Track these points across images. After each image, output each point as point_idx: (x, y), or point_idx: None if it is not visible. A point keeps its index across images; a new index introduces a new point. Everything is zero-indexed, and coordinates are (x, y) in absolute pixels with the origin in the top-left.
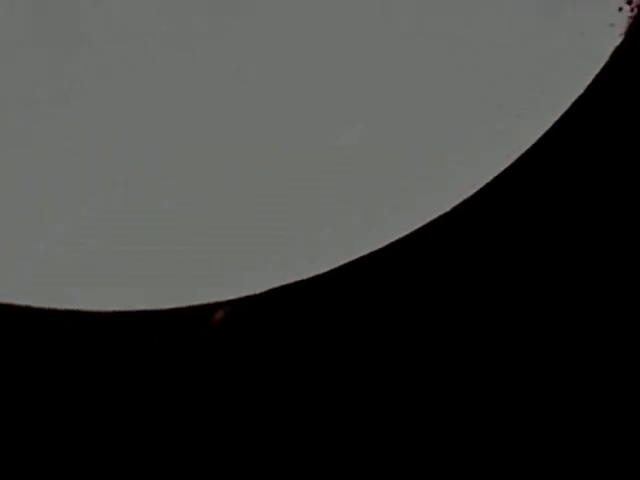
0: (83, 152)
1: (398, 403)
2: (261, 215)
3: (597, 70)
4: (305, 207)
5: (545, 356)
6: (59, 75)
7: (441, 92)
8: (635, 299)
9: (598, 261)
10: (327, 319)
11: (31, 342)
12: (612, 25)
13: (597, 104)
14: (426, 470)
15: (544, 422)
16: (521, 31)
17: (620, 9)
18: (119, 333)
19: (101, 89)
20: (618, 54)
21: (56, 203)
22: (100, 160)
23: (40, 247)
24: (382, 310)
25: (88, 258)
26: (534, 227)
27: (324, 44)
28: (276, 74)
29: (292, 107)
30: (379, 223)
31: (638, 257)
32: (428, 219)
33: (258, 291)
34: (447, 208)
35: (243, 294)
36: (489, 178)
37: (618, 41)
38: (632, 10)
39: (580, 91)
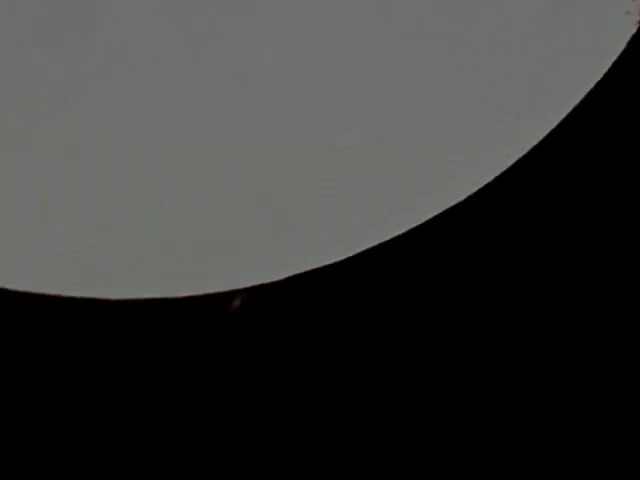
0: (83, 152)
1: (400, 399)
2: (261, 215)
3: (610, 64)
4: (305, 207)
5: (544, 355)
6: (59, 75)
7: (441, 92)
8: (635, 299)
9: (598, 261)
10: (326, 319)
11: (31, 342)
12: (628, 13)
13: (597, 104)
14: (426, 470)
15: (544, 422)
16: (521, 31)
17: None
18: (119, 334)
19: (101, 89)
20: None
21: (56, 203)
22: (100, 160)
23: (40, 247)
24: (382, 309)
25: (88, 258)
26: (534, 227)
27: (324, 44)
28: (276, 74)
29: (292, 107)
30: (379, 223)
31: (638, 257)
32: (428, 218)
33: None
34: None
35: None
36: (489, 178)
37: (634, 29)
38: None
39: (592, 85)
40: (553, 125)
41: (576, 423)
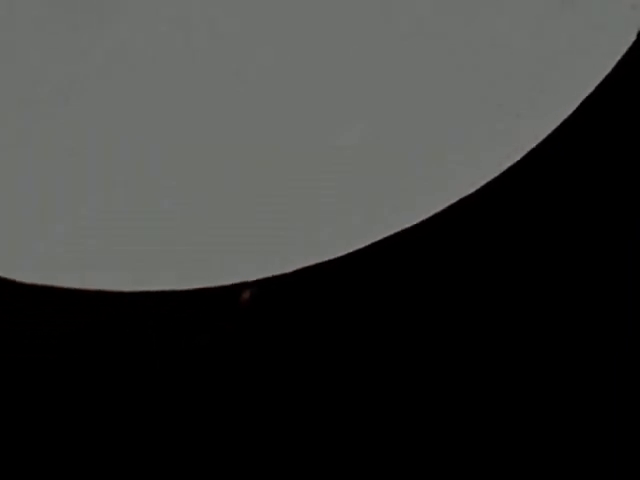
0: (83, 152)
1: (401, 399)
2: (261, 215)
3: (613, 64)
4: (305, 207)
5: (544, 354)
6: (59, 75)
7: (441, 92)
8: (635, 299)
9: (598, 263)
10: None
11: (24, 346)
12: (634, 7)
13: (597, 103)
14: (426, 470)
15: (544, 421)
16: (521, 31)
17: None
18: (116, 338)
19: (101, 89)
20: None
21: (56, 203)
22: (100, 160)
23: (40, 247)
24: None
25: (88, 258)
26: (533, 227)
27: (324, 44)
28: (276, 74)
29: (292, 107)
30: (379, 223)
31: (639, 257)
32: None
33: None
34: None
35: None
36: (489, 178)
37: (637, 29)
38: None
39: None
40: (553, 125)
41: (576, 423)
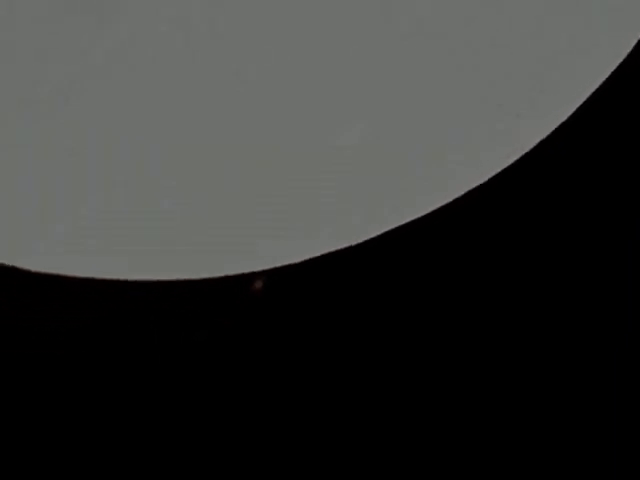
0: (83, 152)
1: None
2: (261, 215)
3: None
4: (305, 207)
5: (544, 353)
6: (59, 75)
7: (441, 92)
8: (635, 299)
9: (598, 265)
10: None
11: (31, 342)
12: None
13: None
14: (426, 470)
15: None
16: (521, 31)
17: None
18: (119, 334)
19: (101, 89)
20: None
21: (56, 203)
22: (100, 160)
23: (40, 247)
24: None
25: (88, 258)
26: (534, 226)
27: (324, 44)
28: (276, 74)
29: (292, 107)
30: (379, 223)
31: (638, 257)
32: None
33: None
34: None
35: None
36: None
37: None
38: None
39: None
40: (553, 125)
41: (576, 423)
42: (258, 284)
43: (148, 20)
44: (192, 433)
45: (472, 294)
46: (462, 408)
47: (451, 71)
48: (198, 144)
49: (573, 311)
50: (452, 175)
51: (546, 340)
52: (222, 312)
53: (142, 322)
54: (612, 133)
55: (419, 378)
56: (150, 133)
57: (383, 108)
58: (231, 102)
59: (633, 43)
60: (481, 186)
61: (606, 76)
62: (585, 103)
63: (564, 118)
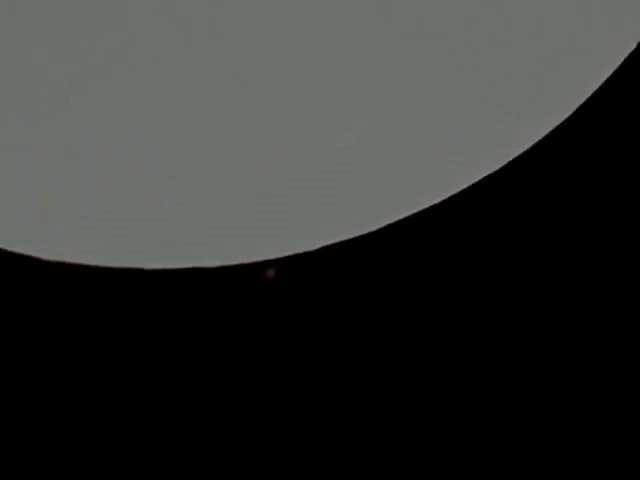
0: (83, 152)
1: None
2: (261, 215)
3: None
4: (305, 207)
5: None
6: (59, 75)
7: (441, 92)
8: (636, 300)
9: (598, 267)
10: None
11: (26, 342)
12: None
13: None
14: (426, 469)
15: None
16: (521, 31)
17: None
18: (115, 334)
19: (101, 89)
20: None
21: (56, 203)
22: (100, 160)
23: (40, 247)
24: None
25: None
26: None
27: (324, 44)
28: (276, 74)
29: (292, 107)
30: (379, 223)
31: (638, 258)
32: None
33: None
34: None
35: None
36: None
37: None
38: None
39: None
40: (553, 125)
41: (576, 423)
42: (271, 272)
43: (148, 20)
44: (191, 433)
45: (477, 290)
46: (464, 403)
47: (451, 71)
48: (198, 144)
49: (573, 310)
50: (452, 175)
51: (546, 337)
52: (220, 312)
53: (138, 322)
54: (612, 133)
55: (419, 378)
56: (150, 133)
57: (383, 108)
58: (231, 102)
59: (633, 45)
60: (481, 186)
61: (606, 76)
62: (585, 103)
63: (564, 118)
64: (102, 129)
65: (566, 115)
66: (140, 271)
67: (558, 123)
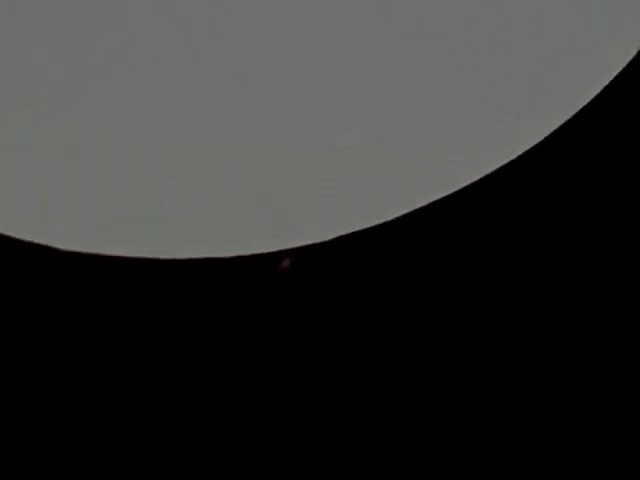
0: (83, 152)
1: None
2: (261, 215)
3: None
4: (305, 207)
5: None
6: (59, 75)
7: (441, 92)
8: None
9: (597, 267)
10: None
11: (18, 342)
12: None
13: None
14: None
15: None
16: (521, 31)
17: None
18: (107, 334)
19: (101, 89)
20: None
21: (56, 203)
22: (100, 160)
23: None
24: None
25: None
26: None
27: (324, 44)
28: (276, 74)
29: (292, 107)
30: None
31: (638, 258)
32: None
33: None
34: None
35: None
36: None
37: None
38: None
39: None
40: (553, 125)
41: (577, 423)
42: (286, 262)
43: (148, 20)
44: (187, 434)
45: (480, 289)
46: (465, 402)
47: (451, 71)
48: (198, 144)
49: (573, 310)
50: (452, 175)
51: (545, 335)
52: (215, 315)
53: (130, 322)
54: (612, 133)
55: (420, 379)
56: (150, 133)
57: (383, 108)
58: (231, 102)
59: (635, 50)
60: (481, 185)
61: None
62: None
63: (564, 118)
64: (102, 129)
65: (567, 115)
66: (133, 271)
67: (559, 123)
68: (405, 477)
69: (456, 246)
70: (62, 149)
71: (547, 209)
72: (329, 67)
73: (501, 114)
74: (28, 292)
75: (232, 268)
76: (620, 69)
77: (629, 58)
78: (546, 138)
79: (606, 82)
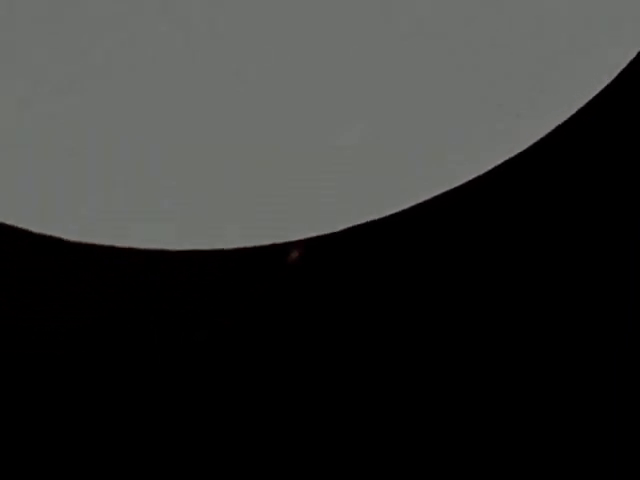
0: (83, 152)
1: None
2: (261, 215)
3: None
4: (305, 207)
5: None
6: (59, 75)
7: (441, 92)
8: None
9: (597, 266)
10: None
11: (31, 342)
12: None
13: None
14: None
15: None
16: (521, 31)
17: None
18: (119, 334)
19: (101, 89)
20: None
21: (56, 203)
22: (100, 160)
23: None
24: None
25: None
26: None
27: (324, 44)
28: (276, 74)
29: (292, 107)
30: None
31: (638, 259)
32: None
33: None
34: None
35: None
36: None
37: None
38: None
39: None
40: (553, 125)
41: (576, 423)
42: (294, 254)
43: (148, 20)
44: (194, 433)
45: (479, 289)
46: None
47: (451, 71)
48: (198, 144)
49: (572, 310)
50: (452, 175)
51: (544, 334)
52: (222, 312)
53: (142, 322)
54: (612, 133)
55: (421, 379)
56: (150, 133)
57: (383, 108)
58: (231, 102)
59: (635, 51)
60: (480, 184)
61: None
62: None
63: (564, 118)
64: (102, 129)
65: (567, 115)
66: (144, 271)
67: (558, 123)
68: (405, 477)
69: (456, 246)
70: (62, 149)
71: (547, 209)
72: (329, 67)
73: (501, 114)
74: (41, 292)
75: (237, 264)
76: (620, 69)
77: (629, 58)
78: (546, 138)
79: (606, 82)
